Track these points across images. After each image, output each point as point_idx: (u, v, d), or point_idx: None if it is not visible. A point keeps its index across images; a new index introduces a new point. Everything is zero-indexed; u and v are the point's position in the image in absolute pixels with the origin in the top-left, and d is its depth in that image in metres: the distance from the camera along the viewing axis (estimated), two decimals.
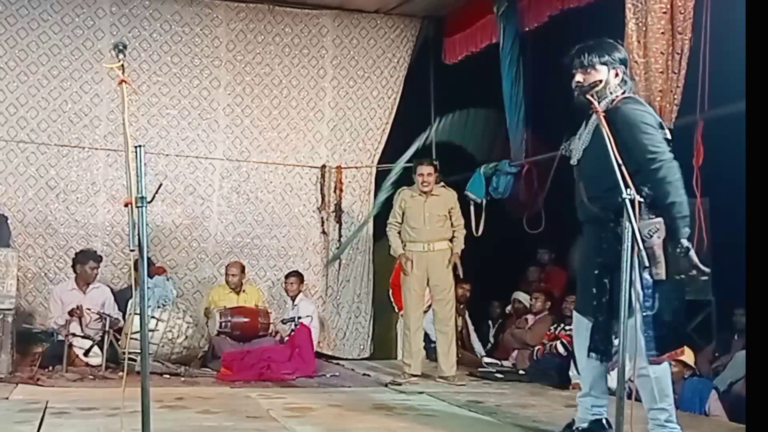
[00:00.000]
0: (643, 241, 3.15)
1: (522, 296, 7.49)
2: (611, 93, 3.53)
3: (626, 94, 3.50)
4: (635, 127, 3.37)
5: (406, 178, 6.44)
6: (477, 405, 4.98)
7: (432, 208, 6.16)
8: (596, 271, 3.50)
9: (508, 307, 7.68)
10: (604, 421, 3.75)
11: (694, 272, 3.35)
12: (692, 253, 3.33)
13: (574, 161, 3.70)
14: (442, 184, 6.50)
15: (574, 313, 3.89)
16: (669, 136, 3.32)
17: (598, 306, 3.52)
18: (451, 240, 6.23)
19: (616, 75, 3.56)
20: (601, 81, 3.50)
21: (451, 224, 6.22)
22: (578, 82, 3.59)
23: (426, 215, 6.14)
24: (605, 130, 3.31)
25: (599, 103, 3.44)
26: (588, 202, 3.60)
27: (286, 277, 7.36)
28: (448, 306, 6.24)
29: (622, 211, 3.14)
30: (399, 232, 6.27)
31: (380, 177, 7.95)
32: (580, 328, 3.72)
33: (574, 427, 3.84)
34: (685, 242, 3.31)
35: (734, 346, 5.76)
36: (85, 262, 6.50)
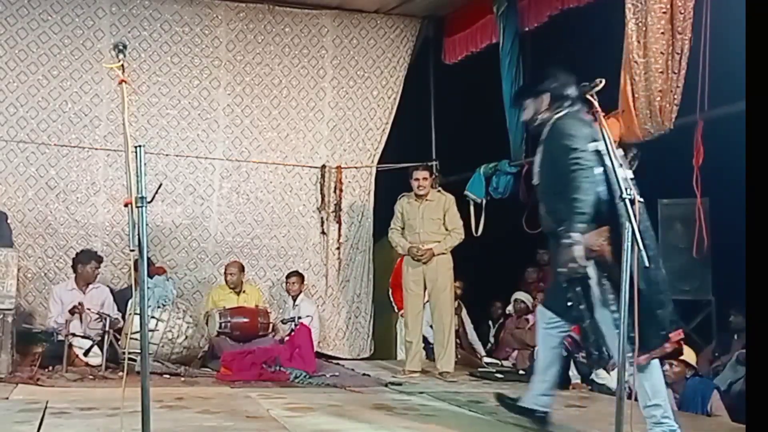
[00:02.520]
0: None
1: (523, 296, 7.50)
2: (546, 115, 3.96)
3: (565, 112, 3.83)
4: (563, 136, 3.71)
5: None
6: (477, 405, 4.98)
7: (427, 212, 6.30)
8: (564, 284, 3.64)
9: (509, 307, 7.68)
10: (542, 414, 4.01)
11: (574, 265, 3.50)
12: (577, 247, 3.48)
13: (535, 182, 4.02)
14: (439, 189, 6.64)
15: (540, 306, 4.11)
16: (601, 149, 3.53)
17: (572, 311, 3.70)
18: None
19: (543, 102, 3.98)
20: (535, 111, 4.03)
21: (445, 227, 6.25)
22: (524, 119, 4.26)
23: (422, 219, 6.28)
24: (605, 131, 3.37)
25: (540, 125, 3.98)
26: (546, 216, 3.86)
27: (287, 277, 7.37)
28: (446, 306, 6.30)
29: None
30: (401, 235, 6.45)
31: (380, 177, 7.97)
32: (543, 317, 3.99)
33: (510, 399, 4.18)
34: (574, 235, 3.48)
35: (734, 346, 5.76)
36: (86, 262, 6.50)
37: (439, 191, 6.55)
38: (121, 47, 3.07)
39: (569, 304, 3.66)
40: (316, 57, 7.87)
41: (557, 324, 3.92)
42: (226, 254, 7.53)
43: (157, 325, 6.05)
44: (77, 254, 6.65)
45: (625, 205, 3.16)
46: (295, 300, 7.31)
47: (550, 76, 3.97)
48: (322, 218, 7.81)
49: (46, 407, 4.30)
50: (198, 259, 7.53)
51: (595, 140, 3.58)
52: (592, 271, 3.54)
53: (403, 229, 6.41)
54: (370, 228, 7.88)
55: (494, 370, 6.70)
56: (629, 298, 3.16)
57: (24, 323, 6.44)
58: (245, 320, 6.63)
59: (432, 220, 6.27)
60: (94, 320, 6.23)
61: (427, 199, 6.32)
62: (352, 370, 6.78)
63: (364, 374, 6.50)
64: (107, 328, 5.98)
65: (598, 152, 3.55)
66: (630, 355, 3.33)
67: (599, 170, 3.54)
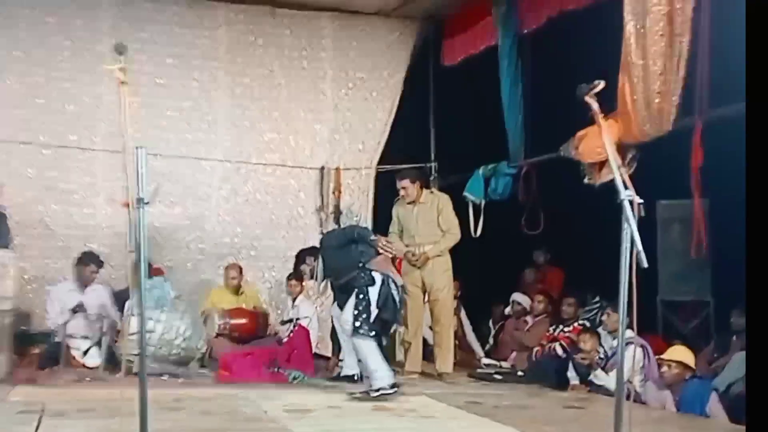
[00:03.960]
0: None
1: (520, 298, 7.49)
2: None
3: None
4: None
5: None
6: (476, 406, 4.98)
7: (421, 215, 6.32)
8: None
9: (507, 309, 7.67)
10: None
11: None
12: None
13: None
14: (432, 190, 6.69)
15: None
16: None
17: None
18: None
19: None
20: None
21: (440, 229, 6.25)
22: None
23: (416, 223, 6.32)
24: (604, 130, 3.37)
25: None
26: None
27: (288, 278, 7.36)
28: (445, 307, 6.32)
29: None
30: (399, 239, 6.45)
31: (379, 179, 7.97)
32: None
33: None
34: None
35: (733, 346, 5.75)
36: (86, 263, 6.48)
37: (432, 192, 6.57)
38: (121, 49, 3.07)
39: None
40: (315, 59, 7.88)
41: None
42: (225, 255, 7.53)
43: (155, 326, 6.05)
44: (82, 254, 6.65)
45: (624, 206, 3.16)
46: (294, 301, 7.31)
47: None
48: (321, 219, 7.81)
49: (43, 409, 4.29)
50: (197, 260, 7.53)
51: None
52: None
53: (401, 232, 6.42)
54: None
55: (493, 372, 6.70)
56: (627, 299, 3.16)
57: (22, 324, 6.43)
58: (244, 321, 6.62)
59: (427, 222, 6.27)
60: (92, 321, 6.22)
61: (420, 202, 6.32)
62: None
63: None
64: (105, 329, 5.98)
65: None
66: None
67: None
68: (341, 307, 5.53)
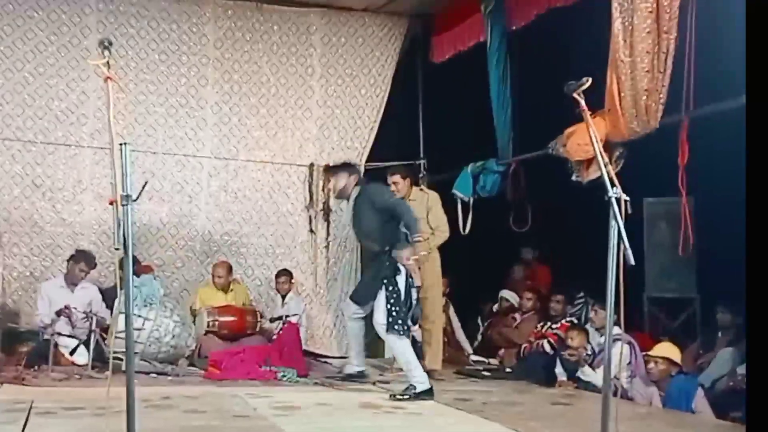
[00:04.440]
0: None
1: (509, 294, 7.52)
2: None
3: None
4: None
5: None
6: (464, 402, 5.00)
7: None
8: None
9: (496, 306, 7.70)
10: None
11: None
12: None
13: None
14: (422, 187, 6.70)
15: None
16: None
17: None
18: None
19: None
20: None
21: (429, 226, 6.25)
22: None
23: None
24: (591, 129, 3.40)
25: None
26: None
27: (277, 275, 7.36)
28: (434, 304, 6.32)
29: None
30: None
31: (368, 175, 7.96)
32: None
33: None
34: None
35: (718, 343, 5.80)
36: (77, 261, 6.45)
37: (422, 190, 6.57)
38: (106, 44, 3.03)
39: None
40: (304, 55, 7.86)
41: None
42: (213, 252, 7.51)
43: (144, 324, 6.03)
44: (76, 251, 6.61)
45: (611, 204, 3.17)
46: (284, 298, 7.30)
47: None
48: (310, 217, 7.79)
49: (31, 407, 4.27)
50: (185, 258, 7.50)
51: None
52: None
53: None
54: None
55: (481, 368, 6.73)
56: (614, 296, 3.17)
57: (9, 322, 6.39)
58: (233, 319, 6.60)
59: None
60: (81, 319, 6.19)
61: (410, 199, 6.30)
62: (340, 368, 6.77)
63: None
64: (94, 327, 5.95)
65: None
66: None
67: None
68: (360, 301, 5.33)
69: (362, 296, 5.35)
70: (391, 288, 5.01)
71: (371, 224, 5.31)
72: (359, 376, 5.68)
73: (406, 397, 4.95)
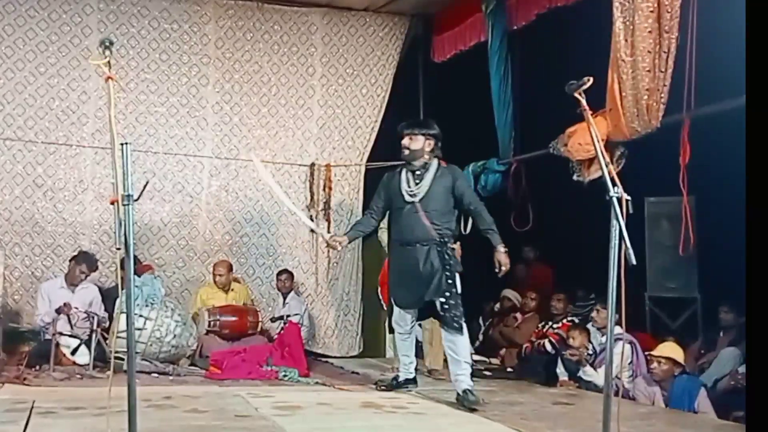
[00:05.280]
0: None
1: (511, 294, 7.52)
2: (424, 156, 5.07)
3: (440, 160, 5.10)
4: (466, 179, 5.46)
5: None
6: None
7: None
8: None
9: (497, 305, 7.69)
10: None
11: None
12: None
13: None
14: None
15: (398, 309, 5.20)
16: None
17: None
18: None
19: (429, 145, 5.08)
20: (420, 149, 5.07)
21: None
22: (405, 145, 5.11)
23: None
24: (593, 128, 3.38)
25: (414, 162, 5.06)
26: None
27: (278, 274, 7.37)
28: None
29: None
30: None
31: (369, 175, 7.96)
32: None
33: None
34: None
35: (720, 343, 5.79)
36: (78, 263, 6.45)
37: None
38: (107, 43, 3.03)
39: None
40: (305, 55, 7.86)
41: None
42: (214, 252, 7.51)
43: (145, 323, 6.03)
44: (79, 252, 6.61)
45: (612, 203, 3.17)
46: (285, 298, 7.30)
47: (431, 125, 5.09)
48: (311, 216, 7.79)
49: (32, 407, 4.27)
50: (186, 258, 7.50)
51: None
52: None
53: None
54: None
55: (482, 368, 6.72)
56: (616, 296, 3.17)
57: (10, 322, 6.40)
58: (234, 319, 6.61)
59: None
60: (81, 319, 6.19)
61: None
62: (341, 368, 6.78)
63: (353, 372, 6.51)
64: (95, 327, 5.95)
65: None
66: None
67: None
68: (413, 304, 5.06)
69: (415, 297, 4.97)
70: (447, 274, 4.81)
71: (446, 207, 4.94)
72: (413, 382, 5.40)
73: (471, 400, 4.69)
